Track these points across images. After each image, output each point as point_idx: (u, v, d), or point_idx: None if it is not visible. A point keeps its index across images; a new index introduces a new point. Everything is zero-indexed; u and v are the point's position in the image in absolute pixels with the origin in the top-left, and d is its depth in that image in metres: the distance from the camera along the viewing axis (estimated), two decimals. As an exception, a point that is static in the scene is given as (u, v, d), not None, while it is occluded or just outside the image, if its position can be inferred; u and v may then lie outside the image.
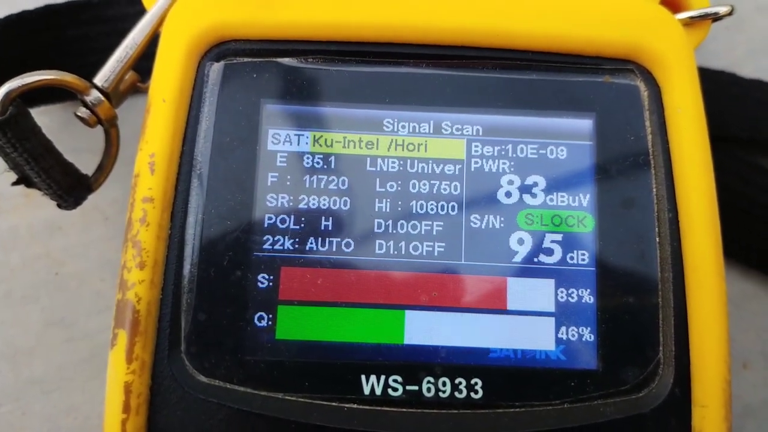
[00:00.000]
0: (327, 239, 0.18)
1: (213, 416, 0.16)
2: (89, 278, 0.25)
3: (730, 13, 0.21)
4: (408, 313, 0.18)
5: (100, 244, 0.25)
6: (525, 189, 0.18)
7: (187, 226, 0.17)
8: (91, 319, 0.25)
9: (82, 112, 0.19)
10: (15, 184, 0.21)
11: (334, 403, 0.17)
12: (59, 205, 0.20)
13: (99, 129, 0.21)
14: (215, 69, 0.18)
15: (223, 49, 0.18)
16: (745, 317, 0.26)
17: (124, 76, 0.19)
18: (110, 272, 0.25)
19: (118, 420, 0.16)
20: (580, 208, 0.18)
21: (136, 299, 0.16)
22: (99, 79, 0.19)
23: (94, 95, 0.19)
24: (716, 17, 0.21)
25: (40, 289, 0.25)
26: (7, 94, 0.18)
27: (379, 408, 0.17)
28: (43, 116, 0.20)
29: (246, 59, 0.18)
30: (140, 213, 0.17)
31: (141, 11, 0.21)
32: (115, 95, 0.19)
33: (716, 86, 0.27)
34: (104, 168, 0.20)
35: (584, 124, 0.19)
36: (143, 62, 0.20)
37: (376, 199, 0.18)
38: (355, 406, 0.17)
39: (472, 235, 0.18)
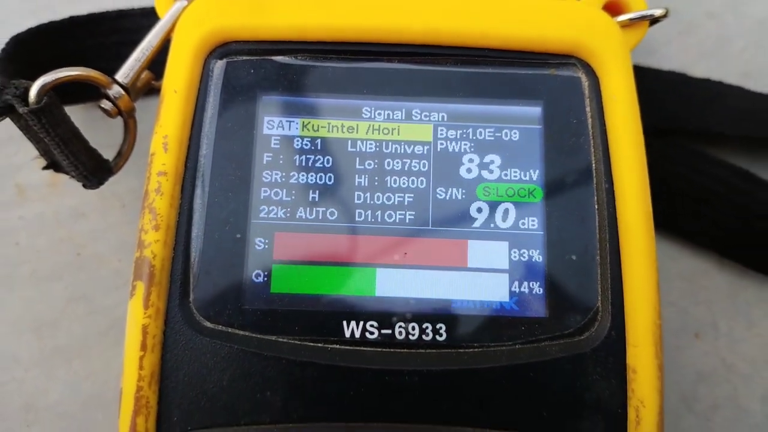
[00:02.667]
0: (314, 209, 0.21)
1: (216, 354, 0.19)
2: (108, 259, 0.28)
3: (665, 15, 0.24)
4: (379, 270, 0.21)
5: (118, 228, 0.28)
6: (483, 166, 0.21)
7: (195, 196, 0.20)
8: (109, 295, 0.28)
9: (105, 104, 0.22)
10: (45, 168, 0.24)
11: (319, 344, 0.20)
12: (84, 185, 0.23)
13: (117, 126, 0.25)
14: (218, 66, 0.22)
15: (225, 49, 0.22)
16: (697, 291, 0.29)
17: (141, 73, 0.22)
18: (127, 253, 0.28)
19: (136, 357, 0.19)
20: (530, 182, 0.21)
21: (152, 256, 0.19)
22: (120, 75, 0.22)
23: (116, 89, 0.22)
24: (653, 19, 0.24)
25: (64, 269, 0.28)
26: (42, 86, 0.21)
27: (357, 348, 0.20)
28: (69, 113, 0.23)
29: (245, 57, 0.22)
30: (155, 184, 0.20)
31: (152, 23, 0.24)
32: (133, 90, 0.22)
33: (668, 85, 0.30)
34: (123, 153, 0.23)
35: (534, 110, 0.22)
36: (156, 67, 0.24)
37: (356, 175, 0.21)
38: (337, 346, 0.20)
39: (437, 204, 0.21)
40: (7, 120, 0.28)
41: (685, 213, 0.28)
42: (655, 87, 0.30)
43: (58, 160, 0.23)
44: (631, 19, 0.24)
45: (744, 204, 0.28)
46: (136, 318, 0.19)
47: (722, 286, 0.29)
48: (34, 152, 0.28)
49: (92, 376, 0.27)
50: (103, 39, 0.28)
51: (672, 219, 0.29)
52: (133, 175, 0.28)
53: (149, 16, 0.28)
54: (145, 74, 0.23)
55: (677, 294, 0.29)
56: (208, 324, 0.20)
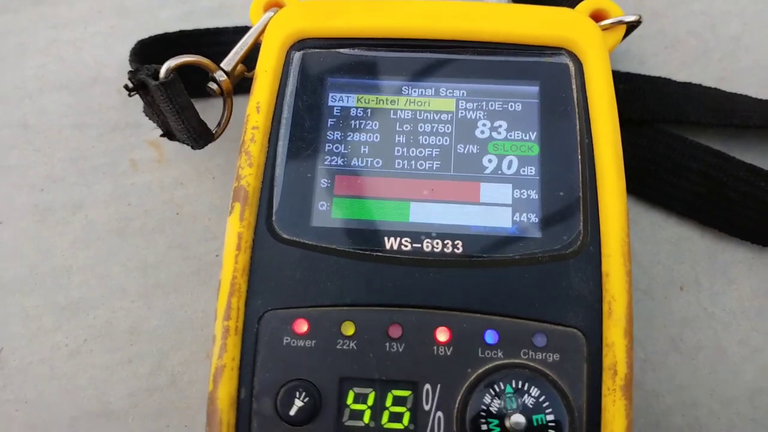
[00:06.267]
0: (364, 159, 0.28)
1: (291, 256, 0.26)
2: (200, 218, 0.35)
3: (639, 21, 0.31)
4: (412, 203, 0.27)
5: (209, 194, 0.36)
6: (493, 129, 0.28)
7: (278, 146, 0.27)
8: (200, 245, 0.34)
9: (212, 85, 0.30)
10: (162, 136, 0.32)
11: (367, 252, 0.26)
12: (193, 147, 0.31)
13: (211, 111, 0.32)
14: (297, 56, 0.29)
15: (302, 44, 0.29)
16: (682, 253, 0.34)
17: (239, 63, 0.30)
18: (216, 214, 0.35)
19: (233, 255, 0.25)
20: (529, 141, 0.28)
21: (246, 184, 0.26)
22: (224, 64, 0.30)
23: (220, 74, 0.30)
24: (629, 23, 0.31)
25: (166, 224, 0.35)
26: (170, 66, 0.29)
27: (395, 256, 0.26)
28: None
29: (316, 50, 0.29)
30: (250, 135, 0.27)
31: (241, 38, 0.32)
32: (232, 75, 0.30)
33: (654, 86, 0.36)
34: (222, 124, 0.31)
35: (533, 89, 0.28)
36: (247, 62, 0.31)
37: (396, 135, 0.28)
38: (380, 254, 0.26)
39: (458, 157, 0.28)
40: (125, 109, 0.36)
41: (669, 186, 0.34)
42: (643, 88, 0.36)
43: (172, 130, 0.31)
44: (611, 23, 0.30)
45: (717, 177, 0.33)
46: (234, 228, 0.26)
47: (703, 249, 0.34)
48: (146, 136, 0.37)
49: (184, 307, 0.34)
50: (205, 49, 0.36)
51: (658, 192, 0.34)
52: (221, 155, 0.36)
53: (240, 33, 0.36)
54: (240, 66, 0.31)
55: (664, 255, 0.34)
56: (285, 235, 0.26)
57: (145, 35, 0.37)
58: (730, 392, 0.32)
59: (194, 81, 0.30)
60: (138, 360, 0.33)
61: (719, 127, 0.35)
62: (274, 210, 0.27)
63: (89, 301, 0.34)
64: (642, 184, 0.35)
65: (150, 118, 0.32)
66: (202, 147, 0.31)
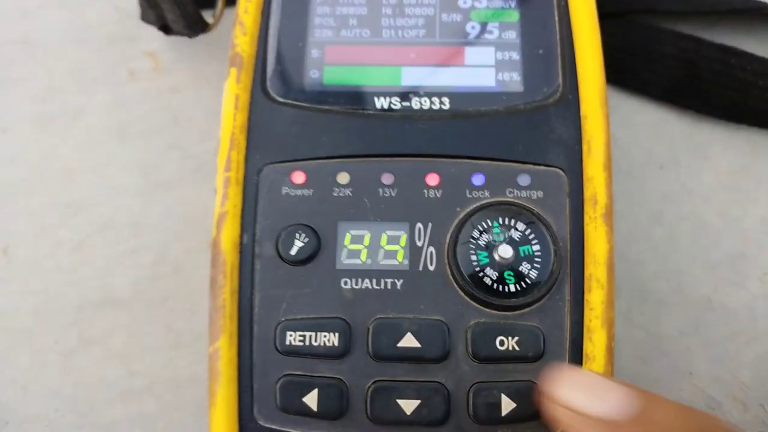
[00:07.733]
0: (353, 30, 0.29)
1: (286, 114, 0.27)
2: (197, 120, 0.36)
3: None
4: (404, 68, 0.28)
5: (205, 99, 0.36)
6: (475, -1, 0.30)
7: (271, 19, 0.29)
8: (198, 145, 0.35)
9: (205, -24, 0.31)
10: (160, 29, 0.33)
11: (359, 110, 0.27)
12: (189, 35, 0.32)
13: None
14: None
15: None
16: (660, 135, 0.35)
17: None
18: (212, 117, 0.36)
19: (231, 113, 0.27)
20: (509, 8, 0.29)
21: (242, 51, 0.28)
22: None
23: (213, -37, 0.31)
24: None
25: (164, 127, 0.36)
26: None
27: (385, 113, 0.27)
28: None
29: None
30: (244, 7, 0.28)
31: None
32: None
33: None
34: (217, 15, 0.32)
35: (511, -40, 0.30)
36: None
37: (383, 8, 0.30)
38: (371, 112, 0.27)
39: (442, 25, 0.29)
40: (122, 24, 0.37)
41: (645, 72, 0.36)
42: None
43: (168, 23, 0.32)
44: None
45: (691, 60, 0.35)
46: (231, 90, 0.27)
47: (681, 130, 0.36)
48: (143, 47, 0.38)
49: (184, 203, 0.35)
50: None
51: (635, 79, 0.36)
52: (216, 62, 0.37)
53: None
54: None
55: (642, 138, 0.36)
56: (280, 98, 0.28)
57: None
58: (712, 258, 0.33)
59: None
60: (141, 251, 0.34)
61: (690, 16, 0.37)
62: (267, 76, 0.28)
63: (91, 199, 0.35)
64: (619, 73, 0.36)
65: (146, 20, 0.33)
66: (197, 34, 0.32)
